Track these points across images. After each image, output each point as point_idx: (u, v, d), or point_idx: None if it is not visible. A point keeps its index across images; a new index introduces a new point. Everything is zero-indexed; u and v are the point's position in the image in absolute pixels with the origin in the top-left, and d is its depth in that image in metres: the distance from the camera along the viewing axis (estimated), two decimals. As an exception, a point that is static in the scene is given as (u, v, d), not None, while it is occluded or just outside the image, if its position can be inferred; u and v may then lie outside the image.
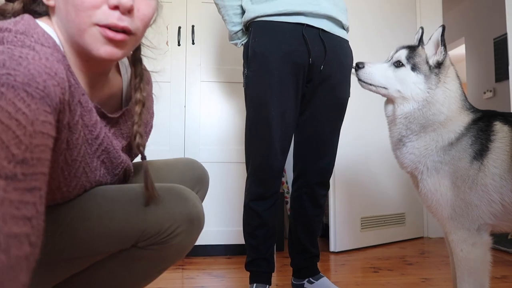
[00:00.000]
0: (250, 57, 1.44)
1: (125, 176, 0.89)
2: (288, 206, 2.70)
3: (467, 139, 1.09)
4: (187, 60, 2.27)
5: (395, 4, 2.73)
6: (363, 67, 1.18)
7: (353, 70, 1.27)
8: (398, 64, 1.16)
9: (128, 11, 0.65)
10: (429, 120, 1.11)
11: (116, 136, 0.82)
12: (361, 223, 2.41)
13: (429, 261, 2.09)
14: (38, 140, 0.50)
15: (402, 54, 1.17)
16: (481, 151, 1.07)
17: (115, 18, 0.64)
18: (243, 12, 1.54)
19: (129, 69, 0.87)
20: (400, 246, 2.47)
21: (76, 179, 0.72)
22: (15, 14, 0.69)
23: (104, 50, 0.65)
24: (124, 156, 0.84)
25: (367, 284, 1.68)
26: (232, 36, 1.60)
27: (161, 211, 0.76)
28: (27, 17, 0.65)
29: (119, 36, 0.65)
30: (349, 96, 1.57)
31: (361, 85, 1.21)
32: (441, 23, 2.90)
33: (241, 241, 1.56)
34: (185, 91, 2.27)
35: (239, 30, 1.57)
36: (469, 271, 1.07)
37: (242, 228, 1.53)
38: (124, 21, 0.65)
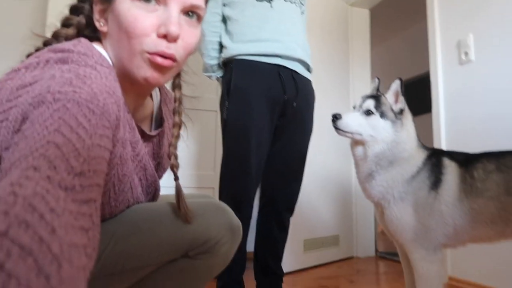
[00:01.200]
0: (232, 91, 1.54)
1: (153, 197, 0.91)
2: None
3: (424, 172, 1.31)
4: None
5: (335, 46, 3.06)
6: (341, 117, 1.36)
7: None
8: (368, 113, 1.36)
9: (174, 40, 0.69)
10: (397, 157, 1.32)
11: (149, 155, 0.86)
12: (304, 245, 2.59)
13: (367, 278, 2.32)
14: (95, 153, 0.52)
15: (371, 104, 1.37)
16: (436, 182, 1.29)
17: (164, 46, 0.68)
18: (220, 47, 1.64)
19: (158, 93, 0.92)
20: (337, 266, 2.69)
21: (123, 194, 0.75)
22: (67, 38, 0.72)
23: (150, 74, 0.69)
24: (156, 175, 0.88)
25: (322, 302, 1.83)
26: (207, 69, 1.69)
27: (206, 220, 0.81)
28: (84, 40, 0.69)
29: (166, 62, 0.68)
30: (312, 131, 1.75)
31: (338, 133, 1.38)
32: (369, 61, 3.32)
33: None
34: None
35: (215, 64, 1.66)
36: (428, 284, 1.26)
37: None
38: (171, 49, 0.68)
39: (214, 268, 0.85)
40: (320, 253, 2.72)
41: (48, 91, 0.54)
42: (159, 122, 0.91)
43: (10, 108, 0.55)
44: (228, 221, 0.84)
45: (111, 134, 0.58)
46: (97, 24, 0.73)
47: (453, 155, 1.34)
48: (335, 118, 1.36)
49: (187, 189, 2.51)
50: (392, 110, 1.36)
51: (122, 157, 0.69)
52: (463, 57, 2.15)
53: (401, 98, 1.38)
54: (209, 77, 1.72)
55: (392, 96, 1.40)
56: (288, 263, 2.43)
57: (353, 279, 2.31)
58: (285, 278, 2.31)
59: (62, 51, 0.64)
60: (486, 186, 1.23)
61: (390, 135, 1.33)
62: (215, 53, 1.65)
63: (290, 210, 1.71)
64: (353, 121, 1.36)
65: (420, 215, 1.26)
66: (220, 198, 1.59)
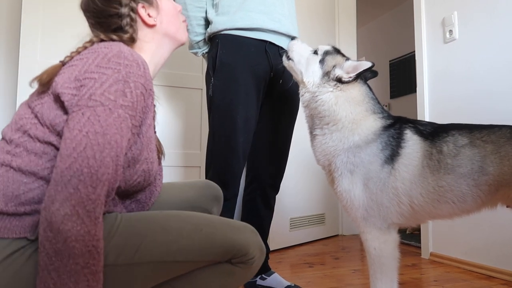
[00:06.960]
0: (218, 67, 1.52)
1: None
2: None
3: (377, 144, 1.17)
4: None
5: (322, 26, 3.04)
6: (296, 39, 1.43)
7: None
8: (314, 52, 1.31)
9: None
10: (327, 116, 1.22)
11: None
12: (290, 224, 2.62)
13: (351, 255, 2.37)
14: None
15: (325, 48, 1.31)
16: (392, 156, 1.15)
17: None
18: (206, 23, 1.61)
19: None
20: (322, 244, 2.74)
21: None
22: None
23: (186, 35, 1.11)
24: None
25: (308, 277, 1.86)
26: (193, 45, 1.66)
27: (246, 237, 0.91)
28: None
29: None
30: (298, 109, 1.74)
31: (284, 61, 1.38)
32: (355, 40, 3.31)
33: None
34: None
35: (201, 40, 1.64)
36: (381, 267, 1.16)
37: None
38: None
39: (246, 277, 0.96)
40: (306, 231, 2.76)
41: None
42: None
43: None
44: (260, 241, 0.95)
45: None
46: (150, 20, 0.99)
47: (418, 126, 1.21)
48: (293, 38, 1.42)
49: (173, 168, 2.50)
50: (334, 67, 1.26)
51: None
52: (447, 35, 2.15)
53: (344, 68, 1.26)
54: (195, 53, 1.69)
55: (350, 67, 1.26)
56: (274, 241, 2.47)
57: (339, 255, 2.35)
58: (271, 255, 2.35)
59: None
60: (458, 162, 1.11)
61: (314, 85, 1.26)
62: (200, 29, 1.62)
63: (275, 187, 1.72)
64: (300, 48, 1.36)
65: (371, 191, 1.14)
66: (207, 175, 1.58)
